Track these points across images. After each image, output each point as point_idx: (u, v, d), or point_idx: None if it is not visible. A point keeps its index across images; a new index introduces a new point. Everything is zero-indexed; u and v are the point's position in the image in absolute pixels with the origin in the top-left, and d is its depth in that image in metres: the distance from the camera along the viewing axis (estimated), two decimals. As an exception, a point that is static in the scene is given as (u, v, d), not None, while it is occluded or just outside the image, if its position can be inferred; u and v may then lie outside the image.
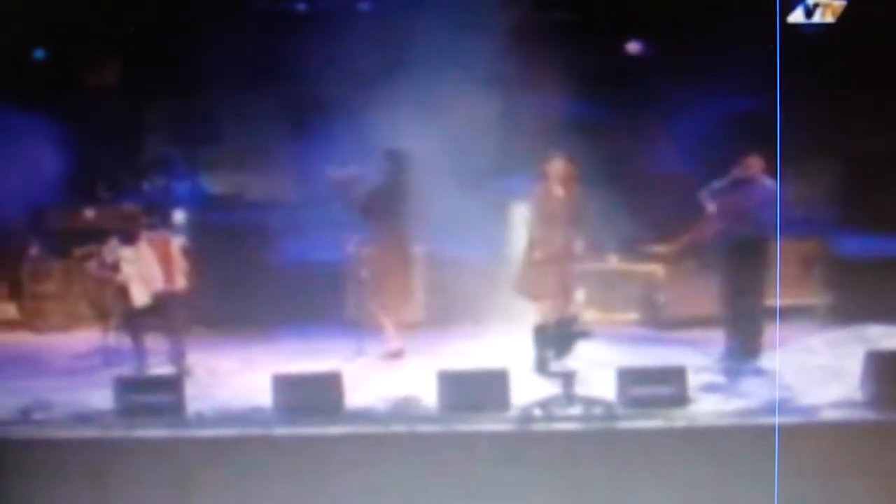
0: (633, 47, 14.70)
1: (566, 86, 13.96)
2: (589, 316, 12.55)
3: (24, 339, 13.81)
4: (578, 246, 12.03)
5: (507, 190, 13.52)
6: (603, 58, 14.19)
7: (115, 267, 11.61)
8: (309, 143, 12.72)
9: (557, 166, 12.05)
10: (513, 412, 10.24)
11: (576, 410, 10.20)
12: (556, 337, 10.52)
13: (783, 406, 10.20)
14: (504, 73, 13.78)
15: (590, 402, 10.26)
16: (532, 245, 12.09)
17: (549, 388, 10.48)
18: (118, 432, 10.07)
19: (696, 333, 12.67)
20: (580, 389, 10.40)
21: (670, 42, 14.12)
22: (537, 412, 10.20)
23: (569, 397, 10.29)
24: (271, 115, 13.14)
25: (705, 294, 12.30)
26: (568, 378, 10.33)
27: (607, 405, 10.25)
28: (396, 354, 12.34)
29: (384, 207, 12.31)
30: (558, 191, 12.06)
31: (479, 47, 13.36)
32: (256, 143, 13.77)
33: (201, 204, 13.62)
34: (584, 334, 10.62)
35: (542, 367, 10.48)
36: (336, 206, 12.42)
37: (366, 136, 12.93)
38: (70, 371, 11.94)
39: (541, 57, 14.00)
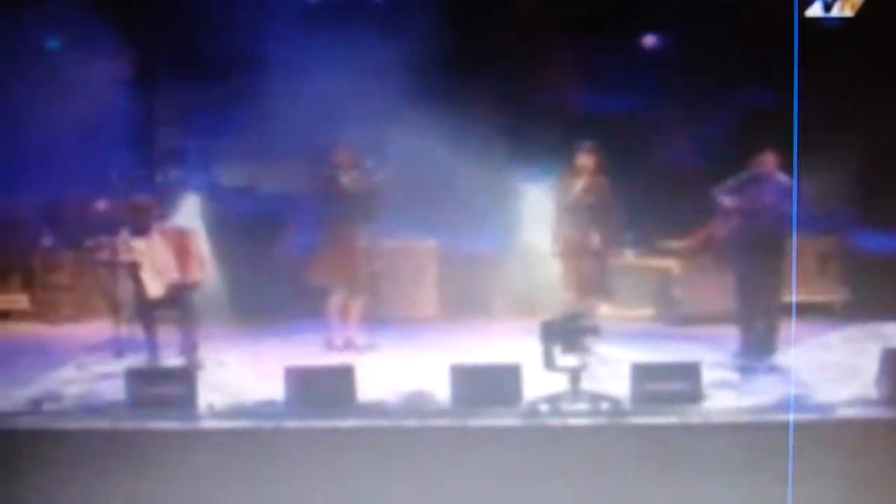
0: (648, 41, 14.63)
1: (581, 80, 13.96)
2: (603, 311, 12.50)
3: (35, 330, 13.78)
4: (604, 239, 12.10)
5: (522, 184, 13.50)
6: (619, 52, 14.13)
7: (128, 258, 11.53)
8: (323, 134, 12.68)
9: (585, 159, 12.08)
10: (521, 407, 10.21)
11: (583, 406, 10.15)
12: (563, 332, 10.37)
13: (798, 403, 10.13)
14: (520, 66, 13.78)
15: (596, 397, 10.22)
16: (555, 238, 12.16)
17: (561, 384, 10.37)
18: (129, 424, 10.02)
19: (710, 329, 12.61)
20: (593, 385, 10.34)
21: (687, 36, 14.06)
22: (544, 407, 10.16)
23: (575, 393, 10.23)
24: (285, 106, 13.10)
25: (720, 290, 12.28)
26: (575, 374, 10.27)
27: (614, 401, 10.20)
28: (355, 348, 12.29)
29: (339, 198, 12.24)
30: (584, 183, 12.09)
31: (496, 40, 13.34)
32: (270, 134, 13.72)
33: (214, 195, 13.57)
34: (592, 330, 10.48)
35: (549, 362, 10.38)
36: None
37: (380, 128, 12.93)
38: (81, 362, 11.85)
39: (557, 50, 13.96)
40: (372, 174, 12.26)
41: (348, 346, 12.36)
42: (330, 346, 12.37)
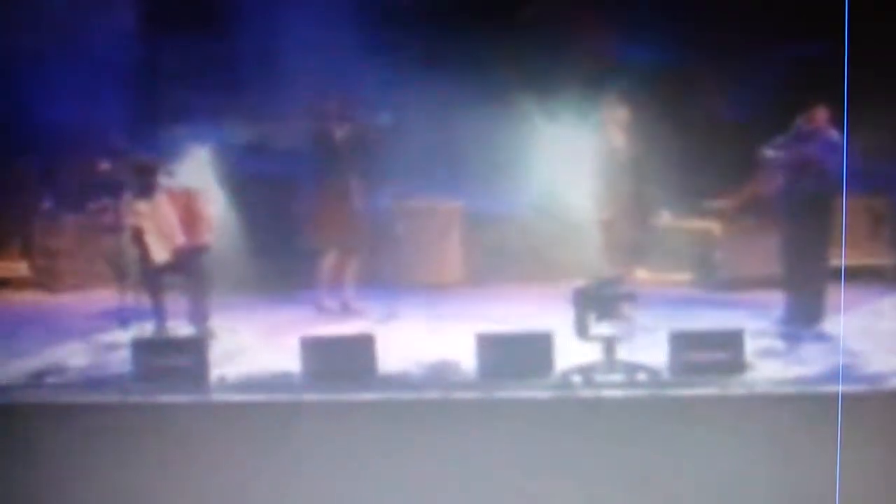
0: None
1: (618, 29, 13.72)
2: (640, 276, 12.34)
3: (36, 299, 13.68)
4: (641, 199, 11.95)
5: (553, 140, 13.21)
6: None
7: (132, 221, 11.38)
8: (335, 89, 12.53)
9: (616, 112, 11.93)
10: (552, 379, 10.02)
11: (618, 377, 9.98)
12: (598, 299, 10.21)
13: (847, 373, 9.86)
14: (554, 15, 13.61)
15: (633, 368, 10.04)
16: (597, 202, 11.90)
17: (595, 354, 10.20)
18: (137, 397, 9.89)
19: (754, 295, 12.38)
20: (629, 355, 10.15)
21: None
22: (576, 379, 9.97)
23: (610, 363, 10.07)
24: (296, 61, 12.97)
25: (765, 253, 12.00)
26: (609, 343, 10.10)
27: (652, 371, 10.01)
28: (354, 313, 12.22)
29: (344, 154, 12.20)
30: (618, 139, 11.92)
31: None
32: (280, 90, 13.51)
33: (223, 154, 13.35)
34: (629, 296, 10.30)
35: (582, 331, 10.22)
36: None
37: (396, 83, 12.79)
38: (85, 333, 11.69)
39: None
40: (366, 127, 12.19)
41: (344, 311, 12.28)
42: (334, 312, 12.28)
